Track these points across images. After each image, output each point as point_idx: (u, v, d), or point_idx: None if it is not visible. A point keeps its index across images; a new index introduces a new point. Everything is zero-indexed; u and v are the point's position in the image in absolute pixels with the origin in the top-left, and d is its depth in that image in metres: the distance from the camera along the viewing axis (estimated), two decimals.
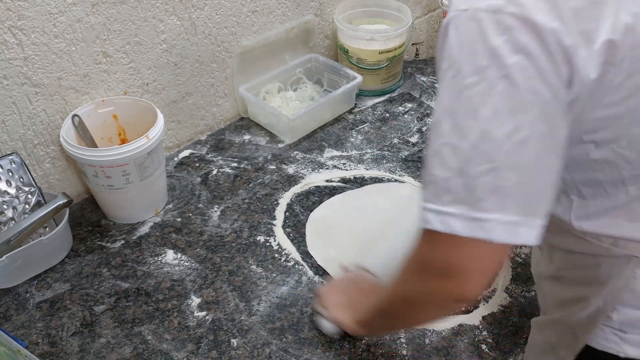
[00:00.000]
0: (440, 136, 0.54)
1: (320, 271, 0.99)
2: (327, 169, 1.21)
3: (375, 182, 1.18)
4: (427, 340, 0.88)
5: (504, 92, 0.50)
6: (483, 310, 0.93)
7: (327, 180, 1.18)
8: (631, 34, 0.51)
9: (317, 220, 1.10)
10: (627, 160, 0.59)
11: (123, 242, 1.05)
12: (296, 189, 1.16)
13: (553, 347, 0.73)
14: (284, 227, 1.08)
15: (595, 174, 0.60)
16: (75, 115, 1.04)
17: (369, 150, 1.26)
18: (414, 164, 1.22)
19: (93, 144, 1.07)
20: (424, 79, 1.51)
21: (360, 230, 1.08)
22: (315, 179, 1.19)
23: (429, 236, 0.56)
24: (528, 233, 0.53)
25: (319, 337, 0.88)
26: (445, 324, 0.91)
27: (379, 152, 1.25)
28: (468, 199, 0.52)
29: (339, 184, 1.18)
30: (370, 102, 1.42)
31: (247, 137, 1.31)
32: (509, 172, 0.51)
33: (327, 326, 0.87)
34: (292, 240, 1.05)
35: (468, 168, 0.52)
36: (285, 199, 1.14)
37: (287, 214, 1.11)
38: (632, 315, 0.65)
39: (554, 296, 0.75)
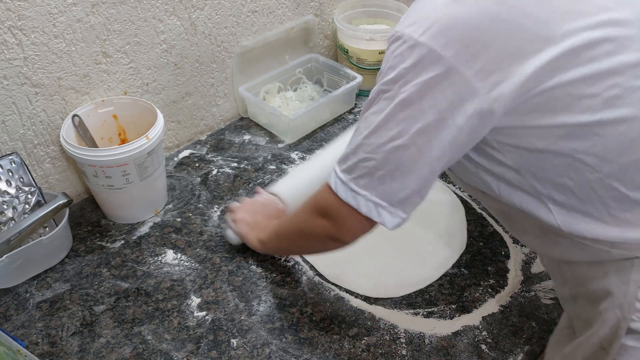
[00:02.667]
0: (365, 118, 0.67)
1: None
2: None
3: None
4: (426, 341, 0.88)
5: (399, 103, 0.61)
6: (483, 310, 0.93)
7: None
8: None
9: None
10: (587, 164, 0.61)
11: (123, 242, 1.05)
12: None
13: None
14: None
15: (562, 179, 0.63)
16: (75, 115, 1.04)
17: None
18: None
19: (93, 144, 1.07)
20: None
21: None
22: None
23: (327, 186, 0.71)
24: (388, 217, 0.66)
25: (319, 337, 0.89)
26: (445, 326, 0.91)
27: None
28: (351, 172, 0.67)
29: None
30: None
31: (247, 137, 1.31)
32: (381, 167, 0.64)
33: (232, 237, 1.01)
34: None
35: (358, 150, 0.66)
36: None
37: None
38: None
39: (578, 318, 0.76)
